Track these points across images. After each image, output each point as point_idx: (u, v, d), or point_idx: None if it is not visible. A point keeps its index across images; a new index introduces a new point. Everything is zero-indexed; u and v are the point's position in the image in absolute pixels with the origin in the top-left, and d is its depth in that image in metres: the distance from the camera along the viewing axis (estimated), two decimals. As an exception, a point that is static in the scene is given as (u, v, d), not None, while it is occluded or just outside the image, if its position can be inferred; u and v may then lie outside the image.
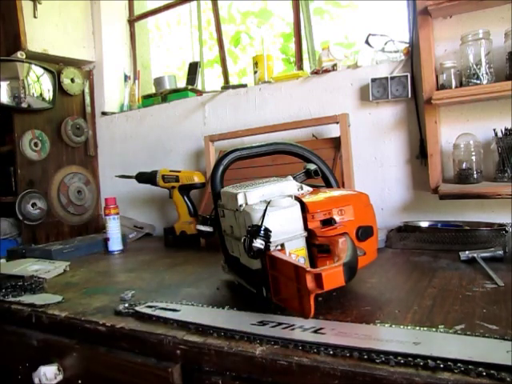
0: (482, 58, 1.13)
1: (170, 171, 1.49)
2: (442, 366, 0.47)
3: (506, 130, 1.13)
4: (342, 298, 0.74)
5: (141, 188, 1.74)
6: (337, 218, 0.70)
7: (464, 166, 1.18)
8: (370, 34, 1.39)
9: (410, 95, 1.29)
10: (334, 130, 1.40)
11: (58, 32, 1.83)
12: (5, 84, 1.62)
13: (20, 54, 1.67)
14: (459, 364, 0.46)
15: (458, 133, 1.20)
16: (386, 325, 0.59)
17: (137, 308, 0.74)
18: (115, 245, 1.42)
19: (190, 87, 1.79)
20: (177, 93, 1.80)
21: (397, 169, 1.36)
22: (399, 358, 0.49)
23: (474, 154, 1.17)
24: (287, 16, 2.10)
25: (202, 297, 0.82)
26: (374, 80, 1.33)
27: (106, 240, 1.44)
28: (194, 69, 1.86)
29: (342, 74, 1.43)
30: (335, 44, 1.57)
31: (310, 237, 0.68)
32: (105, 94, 2.00)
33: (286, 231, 0.67)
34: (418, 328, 0.56)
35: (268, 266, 0.64)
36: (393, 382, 0.47)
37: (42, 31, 1.76)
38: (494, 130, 1.15)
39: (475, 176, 1.16)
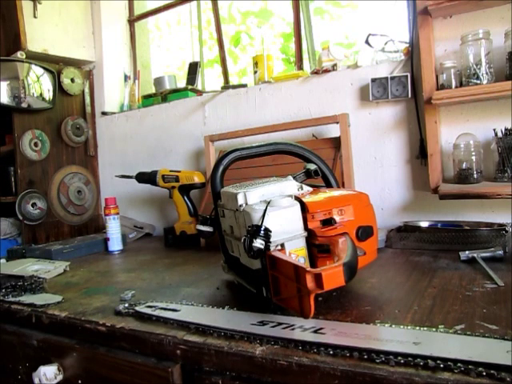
0: (482, 58, 1.13)
1: (170, 171, 1.48)
2: (441, 365, 0.47)
3: (506, 130, 1.13)
4: (342, 298, 0.74)
5: (141, 188, 1.74)
6: (337, 217, 0.70)
7: (464, 165, 1.18)
8: (370, 34, 1.39)
9: (410, 95, 1.29)
10: (333, 130, 1.40)
11: (58, 32, 1.83)
12: (5, 84, 1.62)
13: (20, 54, 1.67)
14: (459, 364, 0.46)
15: (458, 133, 1.21)
16: (386, 325, 0.59)
17: (137, 308, 0.74)
18: (115, 245, 1.42)
19: (189, 87, 1.79)
20: (177, 93, 1.80)
21: (397, 169, 1.36)
22: (399, 357, 0.49)
23: (474, 153, 1.17)
24: (287, 16, 2.10)
25: (202, 297, 0.82)
26: (373, 80, 1.33)
27: (106, 240, 1.44)
28: (193, 69, 1.86)
29: (342, 74, 1.43)
30: (335, 44, 1.57)
31: (310, 237, 0.68)
32: (105, 93, 2.00)
33: (285, 231, 0.67)
34: (417, 328, 0.56)
35: (268, 266, 0.64)
36: (393, 382, 0.47)
37: (42, 31, 1.76)
38: (494, 130, 1.15)
39: (475, 176, 1.16)
